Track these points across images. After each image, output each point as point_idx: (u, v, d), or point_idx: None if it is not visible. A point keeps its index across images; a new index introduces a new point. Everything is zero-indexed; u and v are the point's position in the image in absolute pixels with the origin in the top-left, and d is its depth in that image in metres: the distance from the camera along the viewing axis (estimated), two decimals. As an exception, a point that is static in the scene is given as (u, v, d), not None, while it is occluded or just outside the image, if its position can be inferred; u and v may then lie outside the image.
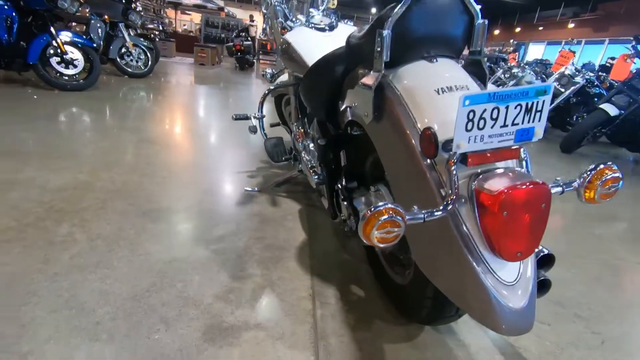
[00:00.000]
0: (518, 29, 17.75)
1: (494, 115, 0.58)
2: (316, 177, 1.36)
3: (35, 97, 3.34)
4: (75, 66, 3.71)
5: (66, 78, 3.68)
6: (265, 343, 0.93)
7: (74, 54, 3.69)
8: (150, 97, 4.15)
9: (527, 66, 5.70)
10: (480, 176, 0.62)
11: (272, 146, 1.89)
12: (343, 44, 1.47)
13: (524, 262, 0.65)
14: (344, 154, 1.18)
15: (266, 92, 1.87)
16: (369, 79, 0.80)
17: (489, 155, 0.62)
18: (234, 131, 3.04)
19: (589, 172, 0.65)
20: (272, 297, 1.11)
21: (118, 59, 5.02)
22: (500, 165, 0.64)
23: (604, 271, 1.51)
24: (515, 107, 0.59)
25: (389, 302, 1.13)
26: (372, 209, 0.56)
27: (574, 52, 6.92)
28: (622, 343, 1.10)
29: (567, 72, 4.66)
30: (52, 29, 3.48)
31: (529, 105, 0.59)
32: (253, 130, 1.93)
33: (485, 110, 0.57)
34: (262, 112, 1.99)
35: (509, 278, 0.63)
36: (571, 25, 14.60)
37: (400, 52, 0.77)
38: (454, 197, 0.60)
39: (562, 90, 4.64)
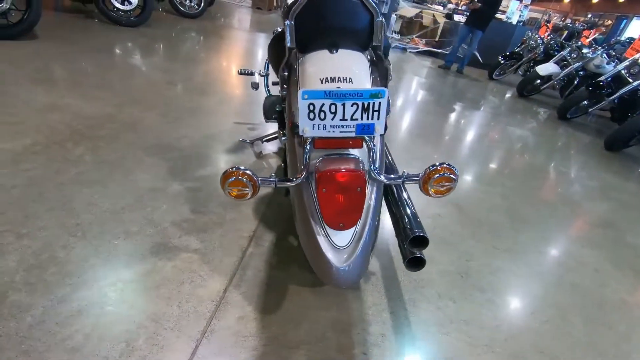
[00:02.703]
0: (623, -1, 15.13)
1: (332, 110, 0.70)
2: (284, 137, 1.52)
3: (91, 29, 3.74)
4: (130, 3, 4.02)
5: (121, 13, 4.02)
6: (195, 264, 1.19)
7: (131, -9, 3.98)
8: (195, 39, 4.40)
9: (600, 47, 5.03)
10: (321, 158, 0.75)
11: (269, 104, 2.04)
12: None
13: (357, 231, 0.78)
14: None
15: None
16: (285, 60, 0.92)
17: (333, 142, 0.74)
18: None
19: (430, 168, 0.75)
20: (218, 232, 1.35)
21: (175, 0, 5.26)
22: (347, 152, 0.77)
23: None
24: (352, 105, 0.70)
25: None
26: (232, 169, 0.73)
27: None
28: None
29: (641, 60, 4.09)
30: (113, -35, 3.76)
31: (365, 105, 0.70)
32: (255, 86, 2.08)
33: (323, 104, 0.69)
34: (267, 69, 2.12)
35: (340, 243, 0.78)
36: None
37: (306, 41, 0.88)
38: (305, 171, 0.75)
39: (630, 80, 4.11)
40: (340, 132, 0.73)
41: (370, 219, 0.78)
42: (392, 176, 0.79)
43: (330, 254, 0.77)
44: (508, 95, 5.58)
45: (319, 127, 0.72)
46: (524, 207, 2.06)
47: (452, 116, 3.66)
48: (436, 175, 0.76)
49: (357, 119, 0.71)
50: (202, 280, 1.13)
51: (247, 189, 0.73)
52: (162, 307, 1.02)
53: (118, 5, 3.98)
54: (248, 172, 0.73)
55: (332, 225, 0.76)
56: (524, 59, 6.35)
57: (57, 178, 1.43)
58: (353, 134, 0.73)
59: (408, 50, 8.14)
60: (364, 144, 0.76)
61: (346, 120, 0.71)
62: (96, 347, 0.88)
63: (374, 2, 0.85)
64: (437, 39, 8.52)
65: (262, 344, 0.98)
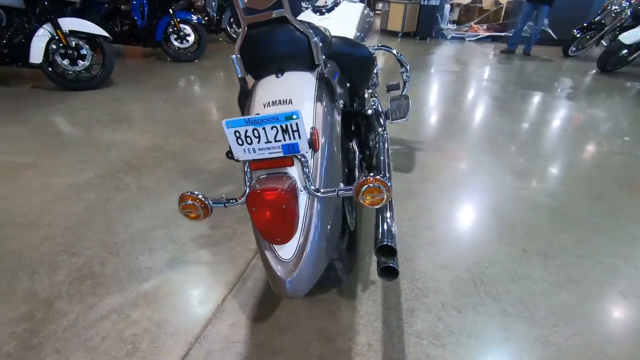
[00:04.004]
0: None
1: (256, 135, 0.76)
2: None
3: (157, 69, 4.30)
4: (187, 41, 4.54)
5: (181, 51, 4.55)
6: (202, 276, 1.32)
7: (187, 29, 4.49)
8: (245, 64, 4.77)
9: None
10: (255, 179, 0.81)
11: None
12: (331, 28, 1.59)
13: (300, 244, 0.82)
14: None
15: None
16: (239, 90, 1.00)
17: (266, 163, 0.80)
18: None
19: (361, 178, 0.76)
20: (228, 246, 1.48)
21: (228, 28, 5.77)
22: (281, 171, 0.81)
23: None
24: (272, 129, 0.74)
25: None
26: (186, 193, 0.83)
27: None
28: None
29: None
30: (170, 11, 4.30)
31: (284, 127, 0.74)
32: None
33: (247, 130, 0.75)
34: None
35: (285, 256, 0.82)
36: None
37: (254, 69, 0.95)
38: (246, 192, 0.82)
39: None
40: (269, 153, 0.78)
41: (313, 231, 0.81)
42: (327, 190, 0.81)
43: (277, 267, 0.82)
44: (589, 72, 4.89)
45: (249, 150, 0.78)
46: (584, 211, 1.82)
47: (520, 109, 3.32)
48: (364, 187, 0.76)
49: (280, 140, 0.76)
50: (207, 290, 1.26)
51: (199, 211, 0.83)
52: (168, 314, 1.16)
53: (177, 44, 4.52)
54: (200, 196, 0.83)
55: (270, 241, 0.81)
56: (606, 28, 5.50)
57: (106, 205, 1.71)
58: (281, 154, 0.78)
59: (467, 39, 7.64)
60: (296, 161, 0.80)
61: (270, 142, 0.77)
62: (109, 347, 1.05)
63: (306, 24, 0.89)
64: (500, 22, 7.84)
65: (247, 350, 1.06)
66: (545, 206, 1.79)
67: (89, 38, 3.26)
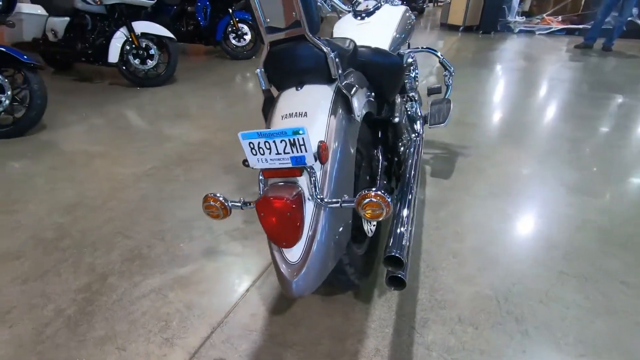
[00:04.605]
0: None
1: (267, 146, 0.82)
2: None
3: (216, 67, 4.59)
4: (244, 39, 4.77)
5: (238, 49, 4.81)
6: (232, 266, 1.44)
7: (244, 28, 4.73)
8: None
9: None
10: (267, 187, 0.87)
11: None
12: (370, 33, 1.62)
13: (305, 249, 0.87)
14: None
15: None
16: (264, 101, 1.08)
17: (278, 172, 0.86)
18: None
19: (363, 192, 0.80)
20: (257, 240, 1.58)
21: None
22: (291, 180, 0.87)
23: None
24: (281, 142, 0.80)
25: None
26: (209, 194, 0.93)
27: None
28: None
29: None
30: (230, 11, 4.55)
31: (292, 141, 0.80)
32: None
33: (259, 142, 0.82)
34: None
35: (292, 259, 0.89)
36: None
37: (276, 82, 1.02)
38: (259, 197, 0.89)
39: None
40: (280, 163, 0.85)
41: (319, 238, 0.87)
42: (331, 200, 0.85)
43: (283, 268, 0.89)
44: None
45: (261, 160, 0.86)
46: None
47: (592, 114, 3.03)
48: (365, 200, 0.79)
49: (289, 152, 0.82)
50: (234, 280, 1.38)
51: (219, 212, 0.92)
52: (197, 298, 1.30)
53: (235, 43, 4.78)
54: (221, 198, 0.92)
55: (277, 244, 0.87)
56: None
57: (158, 194, 1.92)
58: (290, 165, 0.84)
59: (537, 32, 7.03)
60: (305, 172, 0.86)
61: (280, 154, 0.83)
62: (146, 322, 1.21)
63: (324, 41, 0.94)
64: (579, 12, 7.08)
65: (262, 340, 1.15)
66: (596, 225, 1.64)
67: (157, 39, 3.59)
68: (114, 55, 3.48)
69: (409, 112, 1.76)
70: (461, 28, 7.20)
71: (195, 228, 1.66)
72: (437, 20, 8.10)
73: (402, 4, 1.87)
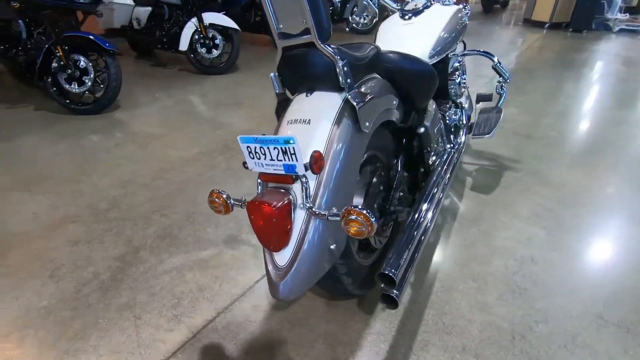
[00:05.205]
0: None
1: (263, 152, 0.84)
2: None
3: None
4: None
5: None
6: (248, 256, 1.51)
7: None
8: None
9: None
10: (261, 190, 0.89)
11: None
12: (412, 34, 1.57)
13: (292, 255, 0.88)
14: None
15: None
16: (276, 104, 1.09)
17: (271, 177, 0.88)
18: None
19: (349, 207, 0.79)
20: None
21: (350, 18, 5.89)
22: (283, 186, 0.88)
23: None
24: (274, 149, 0.82)
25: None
26: (214, 190, 0.99)
27: None
28: None
29: None
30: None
31: (284, 149, 0.80)
32: None
33: (256, 147, 0.84)
34: None
35: (280, 262, 0.90)
36: None
37: (289, 87, 1.02)
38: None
39: None
40: (274, 169, 0.86)
41: (306, 245, 0.87)
42: (320, 211, 0.85)
43: (272, 271, 0.91)
44: None
45: (258, 164, 0.88)
46: None
47: None
48: (350, 217, 0.78)
49: (281, 160, 0.83)
50: (246, 270, 1.44)
51: (221, 207, 0.97)
52: (211, 282, 1.39)
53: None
54: (224, 195, 0.97)
55: (264, 246, 0.90)
56: None
57: (197, 179, 2.07)
58: (282, 172, 0.85)
59: (643, 32, 6.07)
60: (298, 180, 0.86)
61: (274, 160, 0.84)
62: (163, 297, 1.33)
63: (334, 49, 0.92)
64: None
65: (259, 331, 1.20)
66: (658, 268, 1.41)
67: (224, 30, 3.80)
68: (184, 44, 3.76)
69: (448, 120, 1.65)
70: (547, 25, 6.47)
71: (222, 216, 1.76)
72: (522, 15, 7.38)
73: (456, 3, 1.75)
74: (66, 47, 2.72)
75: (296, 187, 0.88)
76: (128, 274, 1.43)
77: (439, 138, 1.52)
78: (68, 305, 1.31)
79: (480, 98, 1.97)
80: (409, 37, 1.56)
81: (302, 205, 0.87)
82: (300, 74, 0.98)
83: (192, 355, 1.13)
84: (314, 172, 0.84)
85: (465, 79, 1.87)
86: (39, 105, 3.15)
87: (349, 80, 0.93)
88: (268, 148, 0.83)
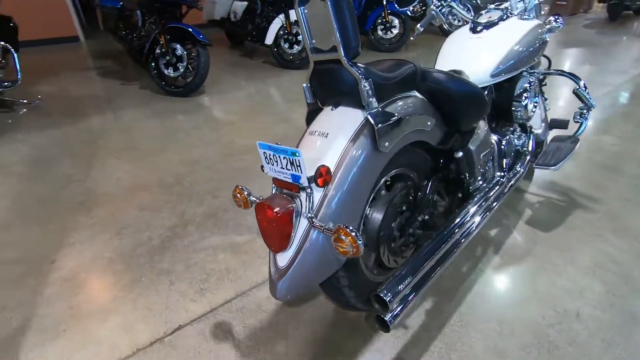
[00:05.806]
0: None
1: (275, 159, 0.90)
2: None
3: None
4: (392, 32, 4.74)
5: (383, 41, 4.82)
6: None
7: (395, 21, 4.69)
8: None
9: None
10: (272, 193, 0.95)
11: None
12: (476, 49, 1.50)
13: (291, 258, 0.93)
14: None
15: None
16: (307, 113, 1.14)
17: (282, 182, 0.93)
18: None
19: (340, 226, 0.81)
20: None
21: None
22: (291, 193, 0.92)
23: None
24: (283, 159, 0.86)
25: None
26: (237, 187, 1.08)
27: None
28: None
29: None
30: (384, 2, 4.58)
31: (290, 160, 0.85)
32: None
33: (270, 154, 0.90)
34: None
35: (281, 263, 0.96)
36: None
37: (319, 99, 1.05)
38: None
39: None
40: (283, 177, 0.91)
41: (305, 252, 0.90)
42: (318, 223, 0.87)
43: (272, 269, 0.98)
44: None
45: (272, 170, 0.94)
46: None
47: None
48: (337, 235, 0.79)
49: (289, 169, 0.88)
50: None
51: (240, 203, 1.06)
52: (238, 266, 1.51)
53: (381, 34, 4.80)
54: (245, 192, 1.06)
55: (268, 246, 0.96)
56: None
57: (253, 167, 2.23)
58: (290, 181, 0.90)
59: None
60: (302, 190, 0.90)
61: (284, 168, 0.89)
62: (195, 271, 1.49)
63: (360, 68, 0.92)
64: None
65: (266, 322, 1.28)
66: None
67: (307, 27, 3.94)
68: (270, 38, 4.00)
69: (505, 145, 1.52)
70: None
71: (266, 206, 1.88)
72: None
73: (535, 17, 1.58)
74: (168, 36, 3.12)
75: (303, 196, 0.93)
76: (174, 244, 1.64)
77: (487, 164, 1.42)
78: (123, 260, 1.55)
79: (555, 124, 1.76)
80: (473, 52, 1.47)
81: (305, 214, 0.92)
82: (328, 88, 1.01)
83: (205, 327, 1.26)
84: (318, 186, 0.88)
85: (537, 101, 1.68)
86: (143, 84, 3.68)
87: (371, 100, 0.93)
88: (279, 157, 0.89)
